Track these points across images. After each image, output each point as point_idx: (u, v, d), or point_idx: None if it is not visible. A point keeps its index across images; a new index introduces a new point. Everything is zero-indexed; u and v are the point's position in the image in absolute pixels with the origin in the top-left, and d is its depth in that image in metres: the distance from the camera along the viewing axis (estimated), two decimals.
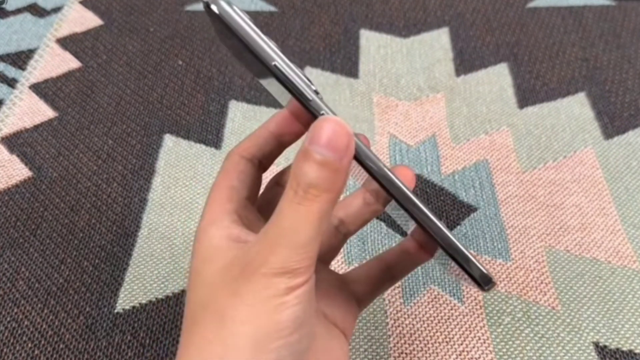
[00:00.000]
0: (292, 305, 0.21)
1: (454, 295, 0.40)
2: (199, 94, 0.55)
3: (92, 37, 0.60)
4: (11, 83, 0.55)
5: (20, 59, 0.58)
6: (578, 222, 0.44)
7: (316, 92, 0.22)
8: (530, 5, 0.63)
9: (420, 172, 0.48)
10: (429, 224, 0.23)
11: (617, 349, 0.38)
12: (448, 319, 0.39)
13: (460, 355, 0.37)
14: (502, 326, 0.39)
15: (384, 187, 0.23)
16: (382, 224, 0.44)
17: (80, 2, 0.64)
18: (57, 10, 0.63)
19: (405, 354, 0.38)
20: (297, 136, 0.26)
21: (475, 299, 0.40)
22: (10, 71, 0.57)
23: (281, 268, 0.21)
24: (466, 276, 0.24)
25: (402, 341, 0.38)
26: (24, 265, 0.42)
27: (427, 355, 0.38)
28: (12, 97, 0.54)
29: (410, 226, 0.25)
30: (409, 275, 0.41)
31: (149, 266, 0.42)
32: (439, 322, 0.39)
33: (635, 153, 0.49)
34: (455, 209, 0.45)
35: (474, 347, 0.38)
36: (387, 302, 0.40)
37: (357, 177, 0.26)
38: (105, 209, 0.46)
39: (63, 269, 0.42)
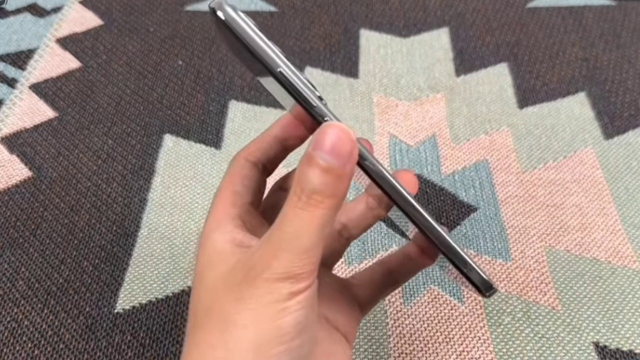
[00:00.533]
0: (294, 310, 0.21)
1: (454, 295, 0.40)
2: (199, 94, 0.55)
3: (92, 37, 0.60)
4: (11, 83, 0.55)
5: (20, 59, 0.58)
6: (578, 222, 0.44)
7: (320, 98, 0.22)
8: (530, 5, 0.63)
9: (420, 172, 0.48)
10: (431, 230, 0.23)
11: (617, 349, 0.38)
12: (448, 319, 0.39)
13: (460, 355, 0.37)
14: (502, 326, 0.39)
15: (386, 192, 0.23)
16: (382, 224, 0.44)
17: (80, 2, 0.64)
18: (57, 10, 0.63)
19: (405, 354, 0.38)
20: (301, 140, 0.26)
21: (475, 299, 0.40)
22: (10, 71, 0.57)
23: (284, 273, 0.21)
24: (467, 281, 0.24)
25: (402, 341, 0.38)
26: (24, 265, 0.42)
27: (427, 355, 0.38)
28: (12, 97, 0.54)
29: (411, 229, 0.25)
30: None
31: (149, 266, 0.42)
32: (439, 322, 0.39)
33: (635, 153, 0.49)
34: (455, 209, 0.45)
35: (474, 347, 0.38)
36: (387, 302, 0.40)
37: (360, 182, 0.26)
38: (105, 209, 0.46)
39: (63, 269, 0.42)
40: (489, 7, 0.63)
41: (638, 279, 0.41)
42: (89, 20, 0.62)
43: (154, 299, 0.40)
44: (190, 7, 0.64)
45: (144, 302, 0.40)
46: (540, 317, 0.39)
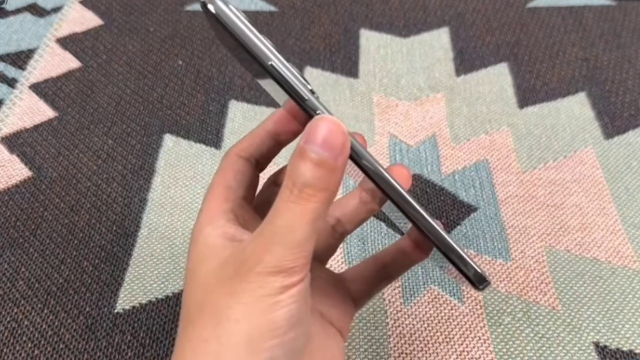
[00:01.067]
0: (286, 304, 0.21)
1: (454, 295, 0.40)
2: (199, 94, 0.55)
3: (92, 37, 0.60)
4: (11, 83, 0.55)
5: (20, 58, 0.58)
6: (578, 222, 0.44)
7: (312, 92, 0.22)
8: (530, 5, 0.63)
9: (421, 172, 0.48)
10: (423, 223, 0.23)
11: (618, 349, 0.38)
12: (448, 319, 0.39)
13: (460, 355, 0.37)
14: (502, 326, 0.39)
15: (379, 186, 0.23)
16: (382, 224, 0.44)
17: (80, 2, 0.64)
18: (57, 10, 0.63)
19: (406, 354, 0.38)
20: (294, 135, 0.26)
21: (475, 299, 0.40)
22: (10, 71, 0.57)
23: (276, 267, 0.21)
24: (461, 275, 0.24)
25: (402, 341, 0.38)
26: (24, 265, 0.42)
27: (427, 355, 0.38)
28: (12, 97, 0.54)
29: (405, 224, 0.25)
30: (409, 275, 0.41)
31: (149, 266, 0.42)
32: (439, 322, 0.39)
33: (635, 153, 0.49)
34: (456, 209, 0.45)
35: (474, 347, 0.38)
36: (387, 302, 0.40)
37: (353, 176, 0.26)
38: (105, 209, 0.46)
39: (63, 269, 0.42)
40: (489, 7, 0.63)
41: (638, 279, 0.41)
42: (89, 20, 0.62)
43: (154, 299, 0.40)
44: (190, 7, 0.64)
45: (144, 302, 0.40)
46: (541, 317, 0.39)
